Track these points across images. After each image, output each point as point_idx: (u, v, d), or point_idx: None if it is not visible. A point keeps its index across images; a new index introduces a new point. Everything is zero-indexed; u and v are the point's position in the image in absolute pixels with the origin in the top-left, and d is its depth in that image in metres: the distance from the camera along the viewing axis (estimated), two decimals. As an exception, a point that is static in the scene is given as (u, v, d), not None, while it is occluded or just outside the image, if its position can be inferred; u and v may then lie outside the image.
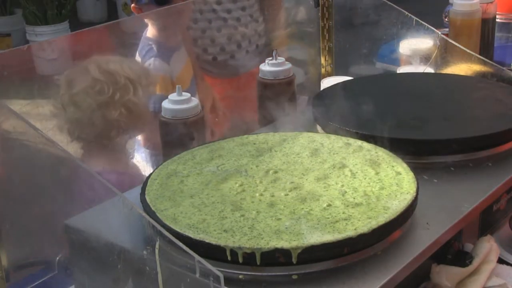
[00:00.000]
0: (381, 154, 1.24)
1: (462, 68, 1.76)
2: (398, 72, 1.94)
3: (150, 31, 2.09)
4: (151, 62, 2.05)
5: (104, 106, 1.62)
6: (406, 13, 1.83)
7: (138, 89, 1.66)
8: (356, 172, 1.17)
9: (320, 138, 1.31)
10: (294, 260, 0.97)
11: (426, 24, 1.81)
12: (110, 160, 1.69)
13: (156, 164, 1.26)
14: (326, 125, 1.41)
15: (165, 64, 2.07)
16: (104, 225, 1.08)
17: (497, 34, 2.11)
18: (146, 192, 1.13)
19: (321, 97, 1.57)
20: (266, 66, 1.58)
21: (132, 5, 2.13)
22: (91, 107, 1.61)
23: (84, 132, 1.64)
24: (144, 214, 1.01)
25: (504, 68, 1.69)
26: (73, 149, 1.65)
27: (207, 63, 2.37)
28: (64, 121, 1.63)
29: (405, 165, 1.19)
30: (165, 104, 1.37)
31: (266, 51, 2.37)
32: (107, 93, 1.62)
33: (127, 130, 1.69)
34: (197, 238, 0.99)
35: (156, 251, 0.96)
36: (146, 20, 2.09)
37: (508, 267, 1.23)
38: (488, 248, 1.20)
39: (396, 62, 2.07)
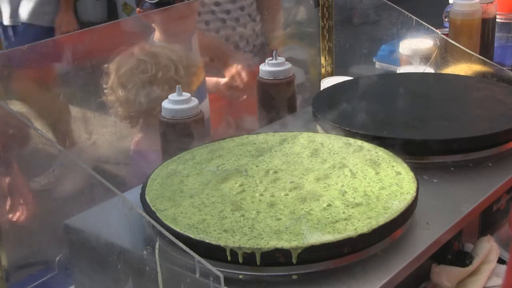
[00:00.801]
0: (381, 154, 1.24)
1: (462, 68, 1.76)
2: (398, 72, 1.94)
3: (156, 35, 2.09)
4: None
5: (148, 84, 1.75)
6: (406, 13, 1.83)
7: (179, 68, 1.78)
8: (356, 172, 1.17)
9: (320, 138, 1.32)
10: (294, 260, 0.97)
11: (426, 24, 1.81)
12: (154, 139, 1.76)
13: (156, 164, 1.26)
14: (326, 125, 1.41)
15: None
16: (104, 225, 1.08)
17: (497, 34, 2.11)
18: (146, 192, 1.13)
19: (321, 97, 1.57)
20: (266, 66, 1.58)
21: (137, 9, 2.12)
22: (136, 85, 1.75)
23: (131, 111, 1.77)
24: (144, 214, 1.01)
25: (504, 68, 1.69)
26: (119, 129, 1.80)
27: (204, 64, 2.36)
28: (112, 104, 1.78)
29: (405, 165, 1.19)
30: (165, 104, 1.38)
31: (263, 51, 2.36)
32: (150, 71, 1.75)
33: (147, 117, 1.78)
34: (197, 238, 0.99)
35: (156, 251, 0.96)
36: (153, 25, 2.08)
37: (508, 267, 1.23)
38: (488, 248, 1.20)
39: (396, 62, 2.07)
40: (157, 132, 1.74)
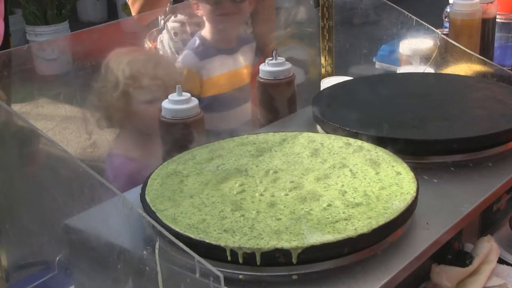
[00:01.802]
0: (381, 154, 1.24)
1: (462, 68, 1.76)
2: (398, 72, 1.94)
3: (204, 30, 2.11)
4: (184, 53, 2.08)
5: (102, 92, 1.73)
6: (406, 13, 1.83)
7: (129, 89, 1.72)
8: (356, 172, 1.17)
9: (320, 138, 1.32)
10: (294, 260, 0.97)
11: (426, 24, 1.81)
12: (119, 144, 1.79)
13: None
14: (326, 125, 1.41)
15: (196, 59, 2.07)
16: (104, 225, 1.08)
17: (497, 34, 2.11)
18: (146, 192, 1.13)
19: (321, 97, 1.57)
20: (266, 66, 1.58)
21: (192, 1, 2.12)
22: (96, 89, 1.73)
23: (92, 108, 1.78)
24: (144, 214, 1.01)
25: (504, 68, 1.69)
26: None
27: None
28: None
29: (405, 165, 1.19)
30: (165, 104, 1.37)
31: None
32: (103, 82, 1.72)
33: (120, 121, 1.77)
34: (197, 238, 0.99)
35: (156, 251, 0.96)
36: (202, 16, 2.09)
37: (508, 267, 1.23)
38: (488, 248, 1.20)
39: (396, 62, 2.08)
40: (125, 140, 1.75)
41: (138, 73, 1.71)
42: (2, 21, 2.06)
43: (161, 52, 2.24)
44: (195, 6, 2.11)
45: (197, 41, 2.09)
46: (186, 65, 2.07)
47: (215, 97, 2.08)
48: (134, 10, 2.11)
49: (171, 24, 2.21)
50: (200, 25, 2.21)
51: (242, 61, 2.15)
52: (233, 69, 2.14)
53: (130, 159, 1.74)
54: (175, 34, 2.21)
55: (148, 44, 2.21)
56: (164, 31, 2.24)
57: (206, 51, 2.08)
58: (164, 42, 2.24)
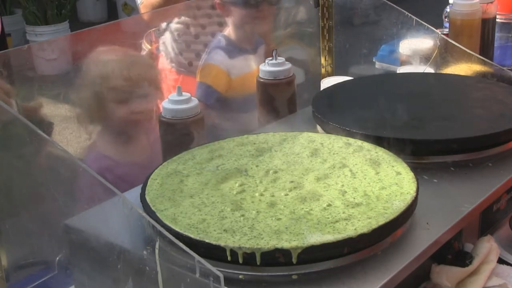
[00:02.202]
0: (381, 154, 1.24)
1: (462, 68, 1.76)
2: (398, 72, 1.94)
3: (227, 30, 2.11)
4: (214, 51, 2.09)
5: (80, 90, 1.72)
6: (406, 13, 1.83)
7: (102, 89, 1.72)
8: (356, 172, 1.17)
9: (320, 138, 1.32)
10: (294, 260, 0.97)
11: (426, 24, 1.81)
12: (96, 142, 1.78)
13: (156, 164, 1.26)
14: (326, 125, 1.41)
15: (226, 57, 2.07)
16: (104, 225, 1.08)
17: (497, 34, 2.11)
18: (146, 192, 1.13)
19: (321, 97, 1.57)
20: (266, 66, 1.58)
21: (217, 0, 2.11)
22: (76, 86, 1.73)
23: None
24: (144, 214, 1.01)
25: (504, 68, 1.69)
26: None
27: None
28: None
29: (405, 165, 1.19)
30: (165, 104, 1.37)
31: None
32: (81, 80, 1.71)
33: (96, 119, 1.76)
34: (197, 238, 0.99)
35: (156, 251, 0.96)
36: (226, 19, 2.08)
37: (508, 267, 1.23)
38: (488, 248, 1.20)
39: (396, 62, 2.08)
40: (100, 138, 1.75)
41: (112, 73, 1.71)
42: None
43: (163, 54, 2.24)
44: (220, 7, 2.10)
45: (223, 41, 2.09)
46: (216, 63, 2.07)
47: (244, 97, 2.08)
48: (155, 3, 2.09)
49: (175, 25, 2.21)
50: (204, 27, 2.21)
51: (260, 61, 2.16)
52: (252, 70, 2.15)
53: (102, 156, 1.74)
54: (178, 35, 2.21)
55: (146, 46, 2.21)
56: (167, 32, 2.23)
57: (233, 50, 2.08)
58: (166, 43, 2.24)
